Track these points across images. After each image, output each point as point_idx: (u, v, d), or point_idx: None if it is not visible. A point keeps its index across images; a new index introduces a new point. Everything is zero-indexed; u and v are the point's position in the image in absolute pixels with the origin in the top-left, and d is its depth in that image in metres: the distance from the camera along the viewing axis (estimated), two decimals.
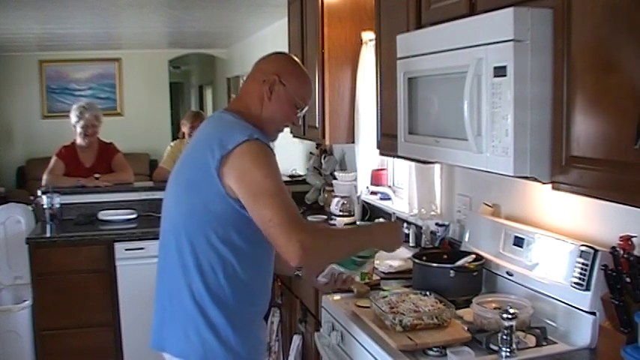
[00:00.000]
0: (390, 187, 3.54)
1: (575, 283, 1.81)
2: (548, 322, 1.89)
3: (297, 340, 2.75)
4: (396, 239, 1.96)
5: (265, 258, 1.90)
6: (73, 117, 4.43)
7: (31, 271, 3.71)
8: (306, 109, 1.97)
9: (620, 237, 1.64)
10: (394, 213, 3.18)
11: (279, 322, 3.09)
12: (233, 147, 1.71)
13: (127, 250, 3.77)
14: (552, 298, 1.91)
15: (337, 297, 2.26)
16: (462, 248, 2.44)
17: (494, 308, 1.90)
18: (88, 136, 4.42)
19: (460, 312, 1.99)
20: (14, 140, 8.43)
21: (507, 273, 2.13)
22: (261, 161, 1.72)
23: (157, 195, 4.25)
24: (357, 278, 2.25)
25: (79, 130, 4.40)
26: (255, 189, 1.69)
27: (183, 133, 4.96)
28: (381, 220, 3.19)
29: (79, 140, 4.44)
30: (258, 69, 1.95)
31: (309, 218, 3.74)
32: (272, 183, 1.70)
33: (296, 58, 2.04)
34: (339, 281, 2.03)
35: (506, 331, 1.68)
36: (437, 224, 2.71)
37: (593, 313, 1.75)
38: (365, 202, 3.57)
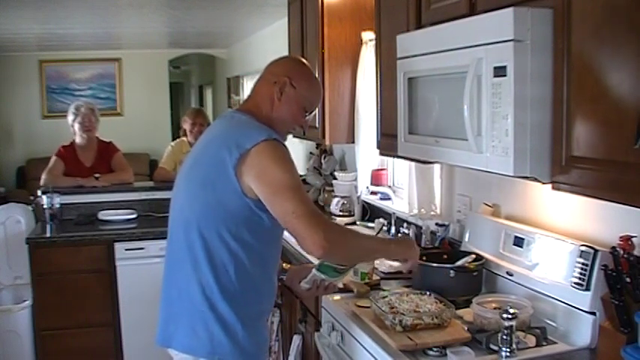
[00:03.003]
0: (390, 187, 3.54)
1: (575, 283, 1.81)
2: (548, 322, 1.89)
3: (297, 340, 2.75)
4: (413, 253, 1.96)
5: (274, 258, 1.93)
6: (70, 115, 4.46)
7: (31, 271, 3.71)
8: (314, 113, 1.99)
9: (620, 237, 1.64)
10: (394, 213, 3.18)
11: (279, 322, 3.09)
12: (251, 146, 1.73)
13: (127, 250, 3.76)
14: (552, 298, 1.90)
15: (337, 297, 2.26)
16: (462, 248, 2.44)
17: (494, 308, 1.90)
18: (87, 131, 4.41)
19: (460, 312, 1.99)
20: (14, 140, 8.43)
21: (507, 273, 2.13)
22: (279, 159, 1.75)
23: (156, 195, 4.26)
24: (340, 284, 2.25)
25: (77, 126, 4.41)
26: (276, 185, 1.72)
27: (184, 131, 4.86)
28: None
29: (78, 139, 4.44)
30: (270, 71, 1.96)
31: None
32: (291, 178, 1.74)
33: (307, 63, 2.06)
34: (322, 288, 2.05)
35: (506, 331, 1.68)
36: (437, 224, 2.71)
37: (593, 313, 1.75)
38: (365, 202, 3.57)
